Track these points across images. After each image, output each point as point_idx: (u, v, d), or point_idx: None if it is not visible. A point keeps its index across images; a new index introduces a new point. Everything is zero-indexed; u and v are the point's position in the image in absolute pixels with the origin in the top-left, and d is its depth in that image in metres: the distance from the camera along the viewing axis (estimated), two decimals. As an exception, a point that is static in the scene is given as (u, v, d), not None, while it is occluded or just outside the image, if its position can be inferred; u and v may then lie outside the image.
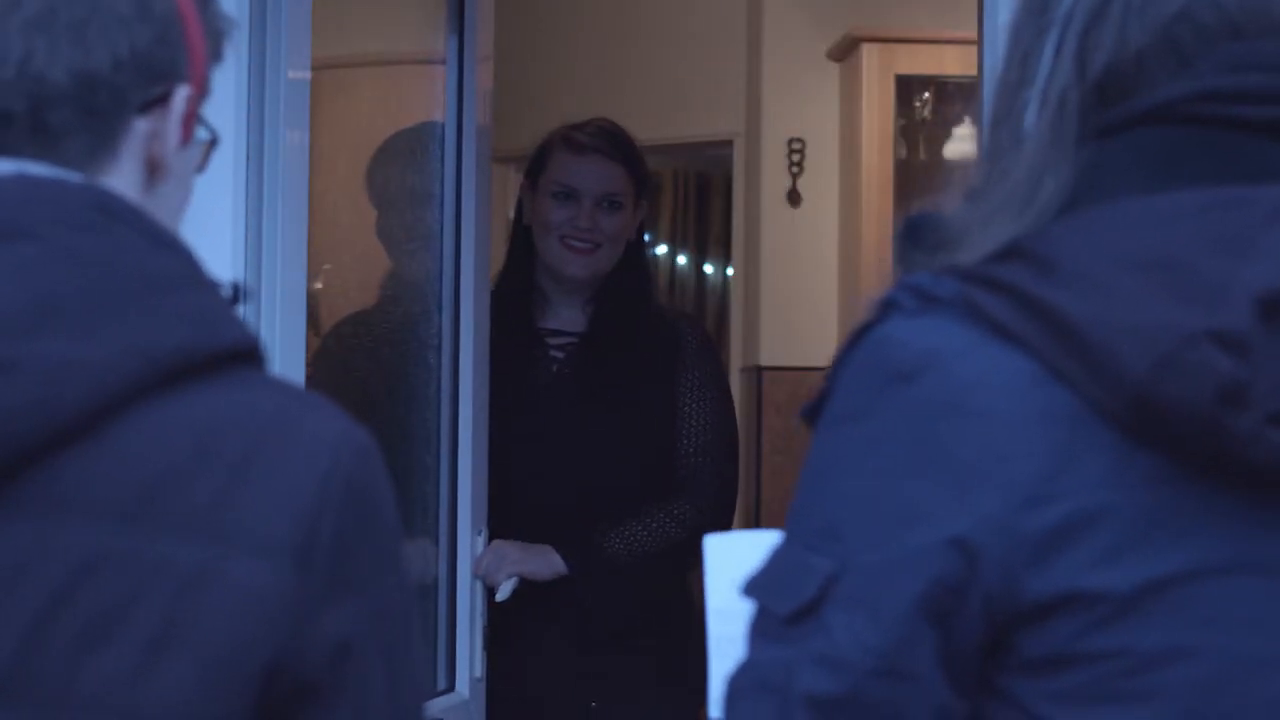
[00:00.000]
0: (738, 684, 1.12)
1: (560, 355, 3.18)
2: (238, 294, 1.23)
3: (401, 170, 3.04)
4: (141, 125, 1.23)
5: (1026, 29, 1.20)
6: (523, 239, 3.25)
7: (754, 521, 5.41)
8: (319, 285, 3.06)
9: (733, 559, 1.32)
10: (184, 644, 1.12)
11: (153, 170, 1.25)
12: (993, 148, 1.20)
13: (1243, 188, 1.11)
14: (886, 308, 1.14)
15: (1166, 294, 1.06)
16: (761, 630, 1.12)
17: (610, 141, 3.21)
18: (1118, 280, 1.07)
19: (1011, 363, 1.09)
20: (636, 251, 3.27)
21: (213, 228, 2.23)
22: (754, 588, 1.13)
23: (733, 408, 3.25)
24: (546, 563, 3.04)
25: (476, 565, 2.99)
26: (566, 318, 3.21)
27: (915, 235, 1.20)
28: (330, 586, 1.16)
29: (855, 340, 1.14)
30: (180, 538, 1.13)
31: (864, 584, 1.08)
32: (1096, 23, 1.17)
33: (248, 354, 1.19)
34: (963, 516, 1.07)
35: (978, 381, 1.09)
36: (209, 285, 1.20)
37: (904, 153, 5.21)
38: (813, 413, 1.16)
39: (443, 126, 3.00)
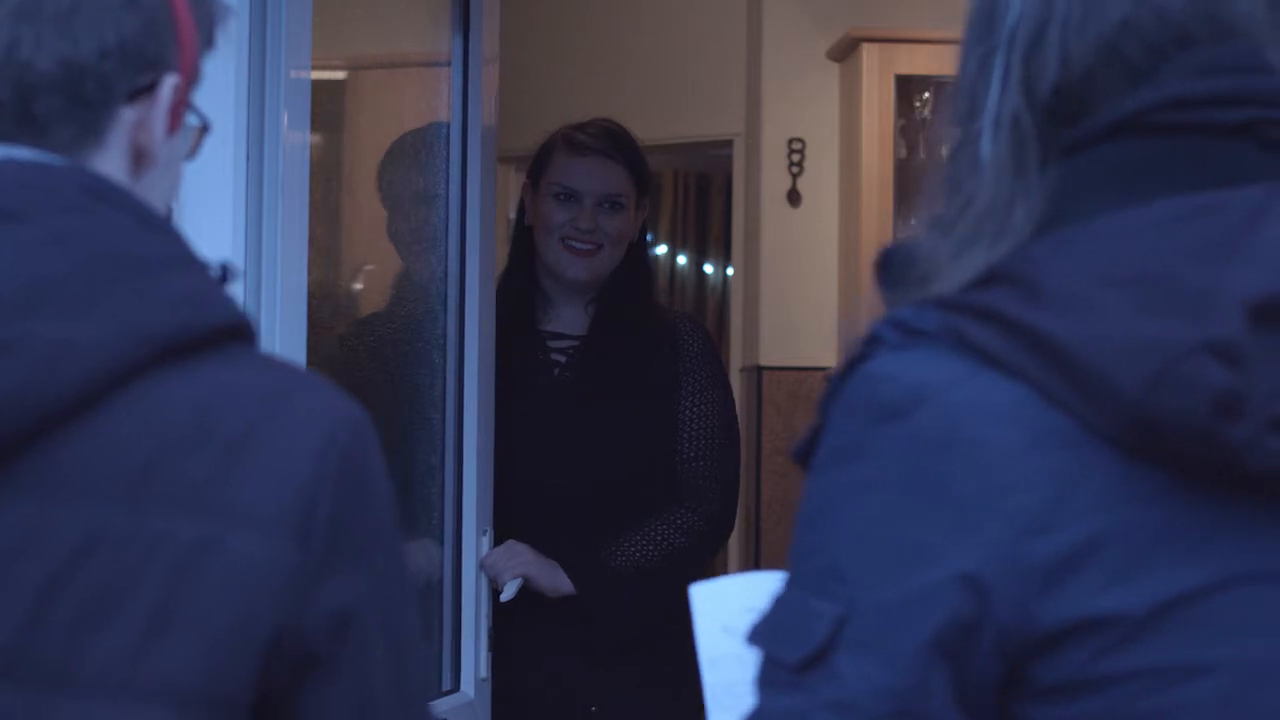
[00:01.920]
0: None
1: (561, 359, 3.18)
2: (226, 274, 1.24)
3: (408, 171, 3.04)
4: (129, 114, 1.24)
5: (971, 57, 1.19)
6: (524, 240, 3.24)
7: (754, 521, 5.41)
8: (359, 286, 3.07)
9: (721, 605, 1.31)
10: (185, 619, 1.13)
11: (139, 158, 1.25)
12: (953, 177, 1.19)
13: (1218, 193, 1.10)
14: (871, 344, 1.13)
15: (1154, 308, 1.05)
16: (770, 680, 1.10)
17: (611, 142, 3.20)
18: (1104, 298, 1.06)
19: (1003, 391, 1.08)
20: (639, 252, 3.25)
21: (213, 224, 2.22)
22: (759, 637, 1.11)
23: (734, 410, 3.24)
24: (553, 579, 3.03)
25: (485, 558, 2.99)
26: (569, 319, 3.20)
27: (888, 270, 1.19)
28: (328, 559, 1.17)
29: (843, 378, 1.13)
30: (178, 514, 1.14)
31: (873, 627, 1.06)
32: (1038, 44, 1.16)
33: (239, 331, 1.20)
34: (968, 551, 1.06)
35: (971, 412, 1.08)
36: (198, 265, 1.21)
37: (904, 153, 5.21)
38: (804, 453, 1.15)
39: (448, 127, 3.00)
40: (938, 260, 1.15)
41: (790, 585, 1.12)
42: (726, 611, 1.29)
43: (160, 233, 1.21)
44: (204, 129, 1.31)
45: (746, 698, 1.13)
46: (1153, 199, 1.10)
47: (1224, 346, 1.03)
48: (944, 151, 1.21)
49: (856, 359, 1.13)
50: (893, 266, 1.18)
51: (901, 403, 1.09)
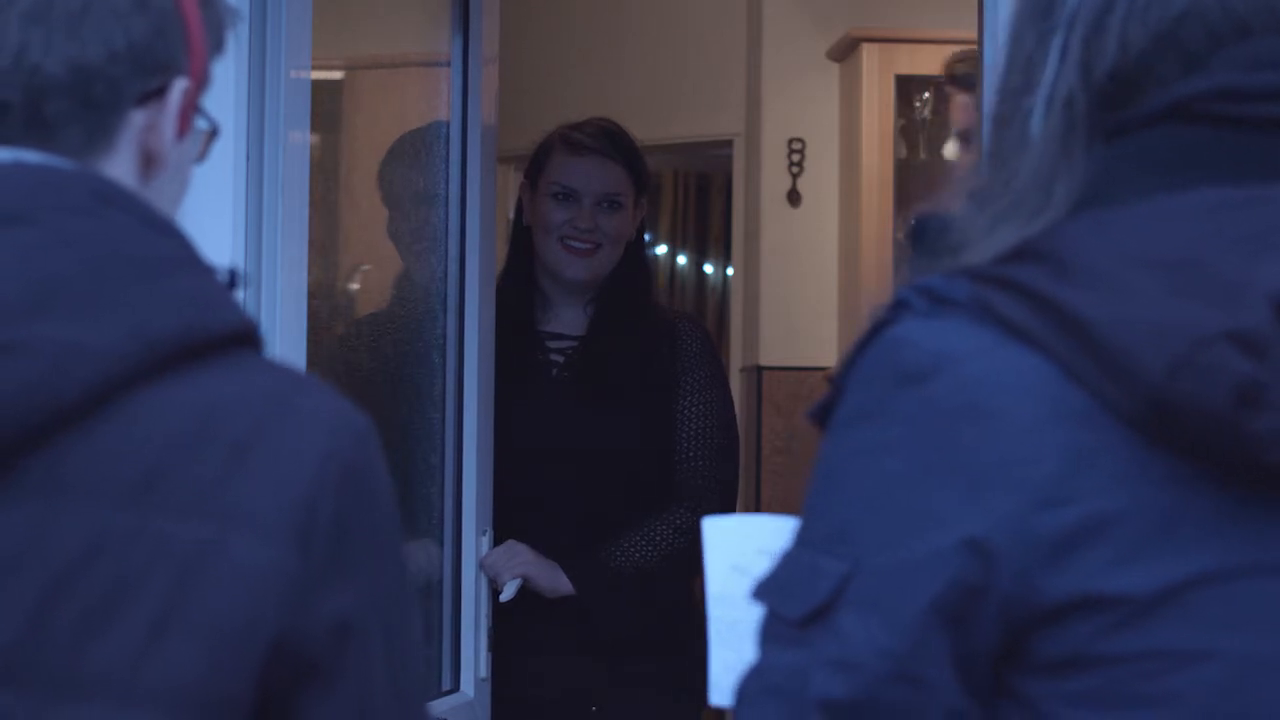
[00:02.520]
0: (747, 689, 1.10)
1: (560, 359, 3.18)
2: (234, 279, 1.24)
3: (408, 171, 3.04)
4: (138, 117, 1.24)
5: (1028, 33, 1.19)
6: (522, 240, 3.24)
7: (754, 522, 5.40)
8: (359, 286, 3.07)
9: (732, 543, 1.32)
10: (186, 624, 1.13)
11: (148, 162, 1.25)
12: (996, 151, 1.19)
13: (1258, 186, 1.10)
14: (898, 309, 1.13)
15: (1183, 294, 1.05)
16: (772, 634, 1.10)
17: (609, 141, 3.20)
18: (1134, 280, 1.06)
19: (1026, 364, 1.08)
20: (637, 251, 3.26)
21: (213, 223, 2.22)
22: (764, 591, 1.12)
23: (733, 409, 3.24)
24: (553, 579, 3.04)
25: (485, 558, 2.99)
26: (568, 319, 3.20)
27: (921, 238, 1.19)
28: (330, 566, 1.17)
29: (866, 341, 1.13)
30: (182, 518, 1.14)
31: (878, 587, 1.07)
32: (1100, 25, 1.16)
33: (246, 337, 1.20)
34: (978, 518, 1.06)
35: (992, 382, 1.08)
36: (206, 269, 1.21)
37: (904, 153, 5.21)
38: (822, 414, 1.15)
39: (448, 127, 3.00)
40: (972, 232, 1.16)
41: (798, 543, 1.12)
42: (738, 550, 1.30)
43: (168, 236, 1.21)
44: (213, 133, 1.31)
45: (749, 637, 1.13)
46: (1193, 188, 1.10)
47: (1249, 336, 1.03)
48: (997, 114, 1.21)
49: (881, 323, 1.13)
50: (927, 234, 1.19)
51: (923, 368, 1.09)
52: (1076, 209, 1.14)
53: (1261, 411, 1.03)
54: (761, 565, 1.17)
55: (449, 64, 3.00)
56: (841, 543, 1.09)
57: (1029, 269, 1.10)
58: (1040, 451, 1.07)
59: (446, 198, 3.00)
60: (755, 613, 1.13)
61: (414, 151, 3.04)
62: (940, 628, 1.06)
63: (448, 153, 3.00)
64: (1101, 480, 1.06)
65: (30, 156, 1.20)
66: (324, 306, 2.81)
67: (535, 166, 3.22)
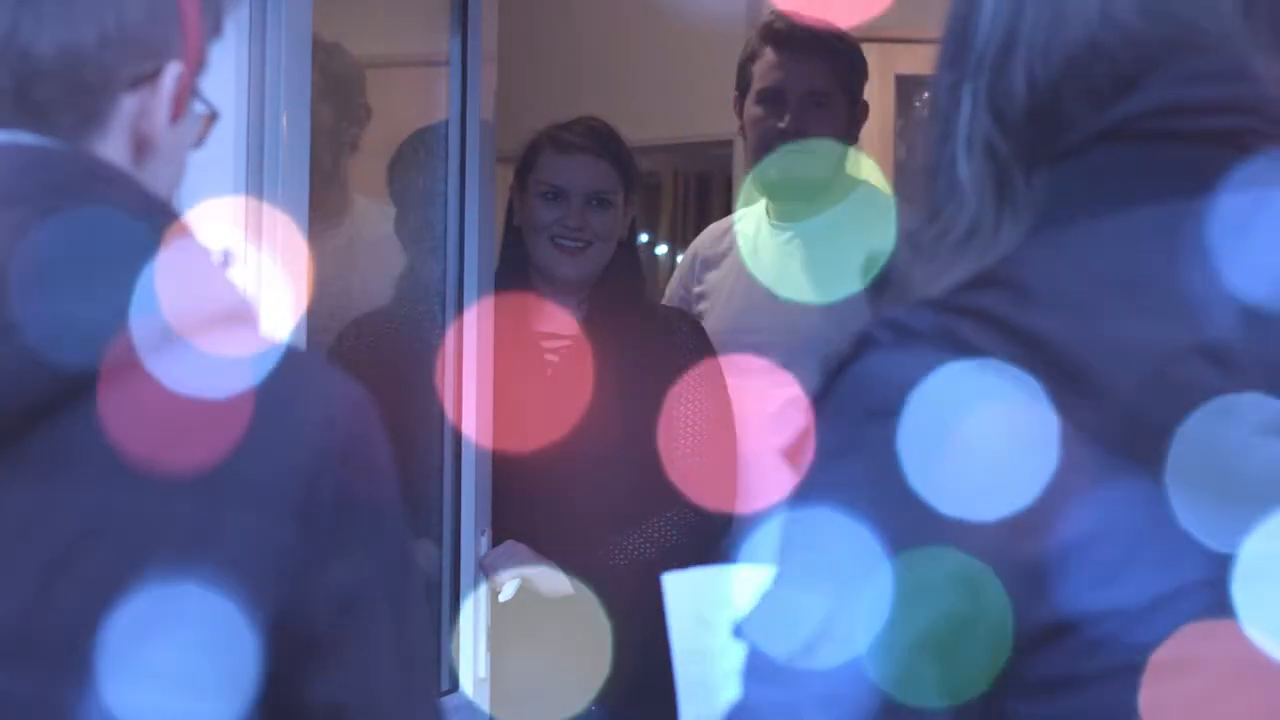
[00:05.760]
0: None
1: (555, 359, 3.18)
2: (228, 258, 1.24)
3: (408, 170, 3.05)
4: (130, 102, 1.24)
5: (943, 82, 1.21)
6: (514, 240, 3.25)
7: (754, 522, 5.40)
8: (359, 285, 3.07)
9: (695, 596, 1.31)
10: (190, 600, 1.13)
11: (141, 146, 1.25)
12: (932, 201, 1.20)
13: (1202, 199, 1.10)
14: (863, 344, 1.13)
15: (1146, 311, 1.06)
16: (757, 673, 1.10)
17: (597, 140, 3.21)
18: (1096, 300, 1.07)
19: (996, 390, 1.08)
20: (629, 249, 3.27)
21: (212, 223, 2.22)
22: (746, 630, 1.12)
23: (730, 404, 3.24)
24: (552, 580, 3.04)
25: (484, 558, 2.99)
26: (561, 319, 3.21)
27: (876, 285, 1.20)
28: (332, 540, 1.17)
29: (832, 378, 1.13)
30: (182, 495, 1.14)
31: (863, 622, 1.07)
32: (1004, 67, 1.17)
33: (241, 314, 1.20)
34: (960, 549, 1.06)
35: (963, 411, 1.08)
36: (201, 249, 1.21)
37: (904, 153, 5.21)
38: (795, 450, 1.15)
39: (447, 126, 3.01)
40: (913, 279, 1.16)
41: (778, 581, 1.12)
42: (701, 602, 1.30)
43: (164, 216, 1.21)
44: (212, 117, 1.32)
45: (717, 693, 1.13)
46: (1140, 205, 1.11)
47: (1216, 349, 1.04)
48: (925, 165, 1.22)
49: (847, 359, 1.13)
50: (879, 281, 1.19)
51: (893, 401, 1.09)
52: (1031, 234, 1.14)
53: (1232, 423, 1.04)
54: (726, 617, 1.17)
55: (448, 64, 3.01)
56: (823, 578, 1.09)
57: (991, 295, 1.10)
58: (1017, 478, 1.07)
59: (446, 197, 3.00)
60: (723, 666, 1.13)
61: (414, 151, 3.04)
62: (929, 659, 1.06)
63: (447, 152, 3.01)
64: (1079, 502, 1.06)
65: (23, 138, 1.20)
66: (324, 306, 2.81)
67: (525, 166, 3.24)
